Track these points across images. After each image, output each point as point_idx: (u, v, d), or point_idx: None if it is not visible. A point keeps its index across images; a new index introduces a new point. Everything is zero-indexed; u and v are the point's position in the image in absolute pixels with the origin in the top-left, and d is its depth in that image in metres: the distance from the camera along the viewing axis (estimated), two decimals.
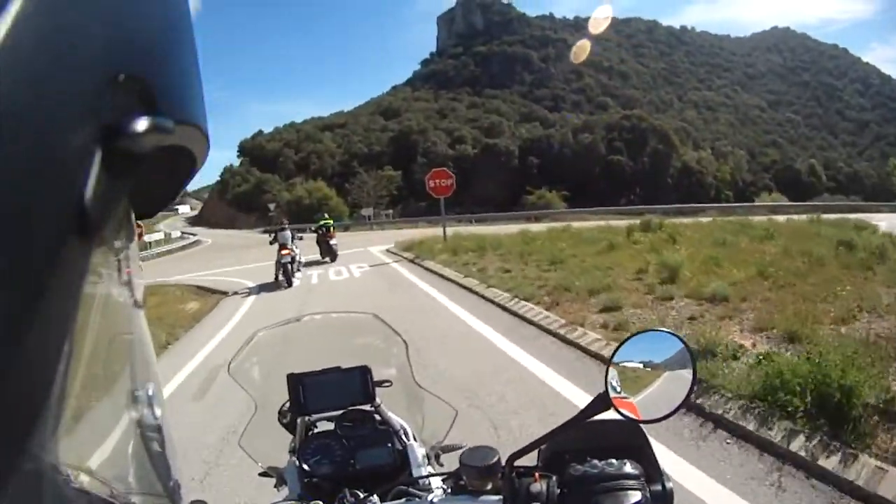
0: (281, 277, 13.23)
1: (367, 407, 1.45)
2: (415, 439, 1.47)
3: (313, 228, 18.86)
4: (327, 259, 17.49)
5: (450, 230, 19.27)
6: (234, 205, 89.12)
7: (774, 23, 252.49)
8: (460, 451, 1.12)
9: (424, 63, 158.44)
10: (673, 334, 1.03)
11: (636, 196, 75.14)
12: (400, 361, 1.63)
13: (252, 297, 12.15)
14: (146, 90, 0.31)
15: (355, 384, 1.43)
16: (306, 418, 1.47)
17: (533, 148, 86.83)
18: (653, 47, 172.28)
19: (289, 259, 13.32)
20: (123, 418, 0.42)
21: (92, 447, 0.40)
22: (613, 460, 0.98)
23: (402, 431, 1.45)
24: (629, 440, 1.05)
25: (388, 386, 1.54)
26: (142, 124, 0.30)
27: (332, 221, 18.79)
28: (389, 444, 1.42)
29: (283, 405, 1.54)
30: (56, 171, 0.26)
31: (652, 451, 1.04)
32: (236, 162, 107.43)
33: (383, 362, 1.61)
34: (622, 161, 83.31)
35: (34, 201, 0.24)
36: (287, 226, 15.31)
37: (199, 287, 14.45)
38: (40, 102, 0.24)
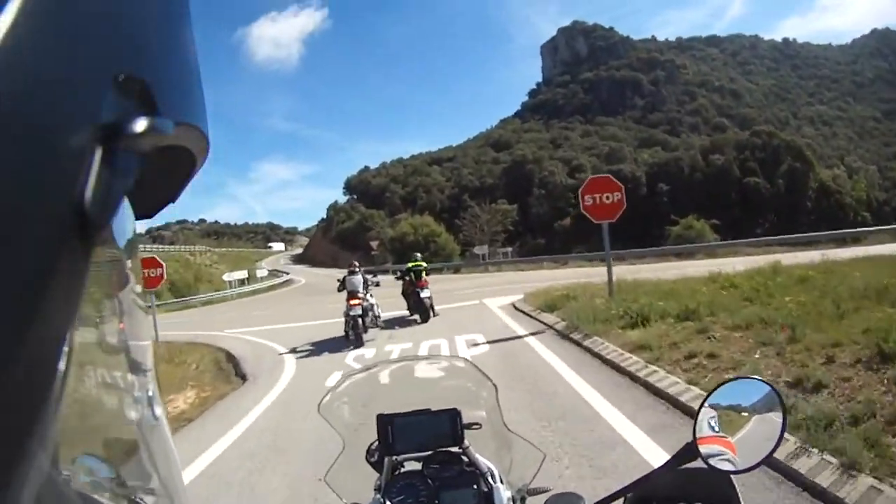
0: (350, 335, 11.06)
1: (454, 449, 1.45)
2: (501, 482, 1.43)
3: (398, 274, 14.73)
4: (416, 318, 13.02)
5: (583, 271, 15.23)
6: (338, 242, 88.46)
7: (872, 25, 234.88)
8: (546, 496, 1.25)
9: (532, 94, 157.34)
10: (762, 381, 1.09)
11: (772, 221, 66.31)
12: (490, 405, 1.60)
13: (281, 389, 8.18)
14: (146, 90, 0.31)
15: (444, 426, 1.43)
16: (394, 458, 1.47)
17: (660, 173, 77.75)
18: (759, 63, 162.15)
19: (359, 311, 11.02)
20: (123, 419, 0.42)
21: (92, 448, 0.40)
22: None
23: (488, 474, 1.43)
24: (716, 489, 1.07)
25: (477, 428, 1.54)
26: (141, 125, 0.30)
27: (424, 265, 13.59)
28: (475, 486, 1.40)
29: (372, 444, 1.53)
30: (56, 171, 0.26)
31: (739, 501, 1.06)
32: (343, 200, 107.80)
33: (473, 405, 1.60)
34: (759, 183, 73.87)
35: (34, 201, 0.24)
36: (358, 269, 12.44)
37: (227, 354, 11.64)
38: (40, 102, 0.24)
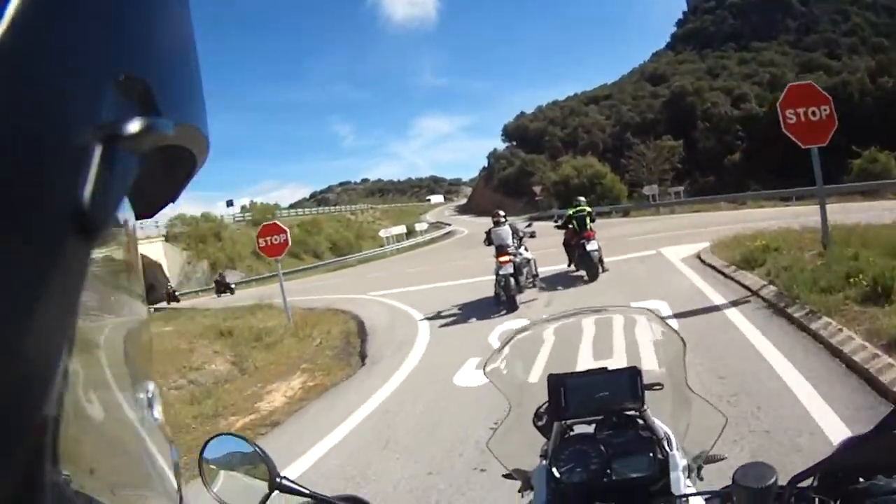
0: (502, 296, 9.29)
1: (631, 412, 1.33)
2: (677, 449, 1.30)
3: (558, 222, 12.21)
4: (582, 273, 10.66)
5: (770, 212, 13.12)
6: (501, 189, 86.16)
7: None
8: (722, 464, 1.27)
9: (679, 24, 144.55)
10: None
11: None
12: (673, 362, 1.49)
13: (395, 386, 6.45)
14: (146, 90, 0.31)
15: (622, 387, 1.32)
16: (564, 422, 1.36)
17: None
18: None
19: (510, 270, 9.19)
20: (123, 418, 0.42)
21: (92, 447, 0.39)
22: None
23: (664, 440, 1.30)
24: None
25: (658, 389, 1.41)
26: (141, 124, 0.30)
27: (588, 210, 11.17)
28: (651, 454, 1.27)
29: (541, 407, 1.42)
30: (55, 170, 0.26)
31: None
32: (502, 147, 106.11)
33: (654, 362, 1.55)
34: None
35: (33, 201, 0.24)
36: (504, 219, 10.23)
37: (359, 324, 10.40)
38: (39, 102, 0.24)
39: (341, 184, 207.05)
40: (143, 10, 0.33)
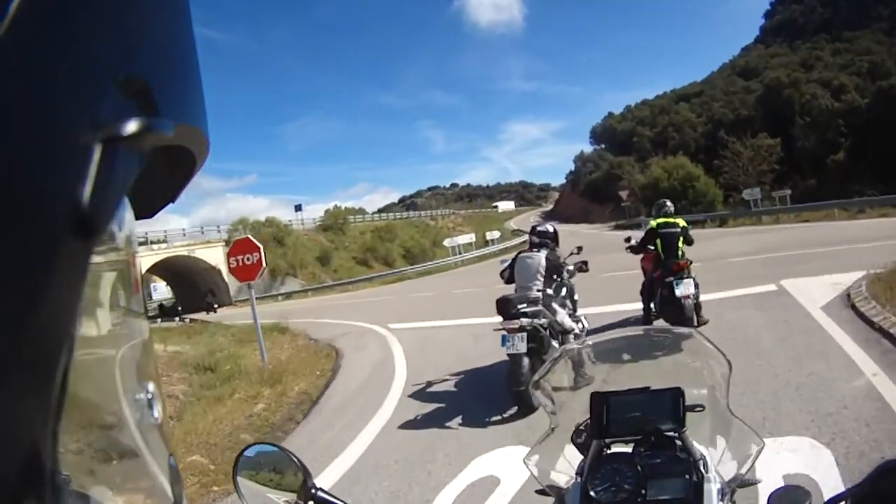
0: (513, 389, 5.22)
1: (670, 433, 1.34)
2: (713, 471, 1.31)
3: (632, 242, 7.90)
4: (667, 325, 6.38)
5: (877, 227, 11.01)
6: (587, 195, 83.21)
7: None
8: (758, 488, 1.31)
9: (767, 15, 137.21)
10: None
11: None
12: (716, 383, 1.51)
13: None
14: (146, 90, 0.31)
15: (665, 407, 1.34)
16: (603, 441, 1.37)
17: None
18: None
19: (521, 347, 5.24)
20: (123, 418, 0.42)
21: (92, 447, 0.40)
22: None
23: (701, 462, 1.30)
24: None
25: (699, 411, 1.41)
26: (141, 125, 0.30)
27: (682, 224, 7.27)
28: (686, 476, 1.27)
29: (582, 423, 1.44)
30: (55, 170, 0.26)
31: None
32: (589, 150, 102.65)
33: (697, 383, 1.52)
34: None
35: (34, 201, 0.24)
36: (543, 239, 6.24)
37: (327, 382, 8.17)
38: (40, 102, 0.24)
39: (430, 188, 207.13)
40: (142, 10, 0.32)
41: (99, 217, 0.28)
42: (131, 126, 0.29)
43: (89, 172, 0.27)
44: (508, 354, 5.32)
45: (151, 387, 0.45)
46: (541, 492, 1.42)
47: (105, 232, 0.30)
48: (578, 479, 1.30)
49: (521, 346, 5.25)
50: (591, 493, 1.24)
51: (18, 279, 0.24)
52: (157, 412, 0.45)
